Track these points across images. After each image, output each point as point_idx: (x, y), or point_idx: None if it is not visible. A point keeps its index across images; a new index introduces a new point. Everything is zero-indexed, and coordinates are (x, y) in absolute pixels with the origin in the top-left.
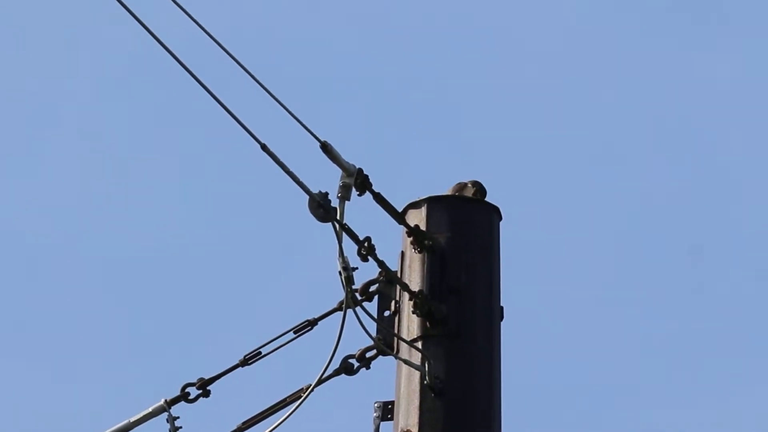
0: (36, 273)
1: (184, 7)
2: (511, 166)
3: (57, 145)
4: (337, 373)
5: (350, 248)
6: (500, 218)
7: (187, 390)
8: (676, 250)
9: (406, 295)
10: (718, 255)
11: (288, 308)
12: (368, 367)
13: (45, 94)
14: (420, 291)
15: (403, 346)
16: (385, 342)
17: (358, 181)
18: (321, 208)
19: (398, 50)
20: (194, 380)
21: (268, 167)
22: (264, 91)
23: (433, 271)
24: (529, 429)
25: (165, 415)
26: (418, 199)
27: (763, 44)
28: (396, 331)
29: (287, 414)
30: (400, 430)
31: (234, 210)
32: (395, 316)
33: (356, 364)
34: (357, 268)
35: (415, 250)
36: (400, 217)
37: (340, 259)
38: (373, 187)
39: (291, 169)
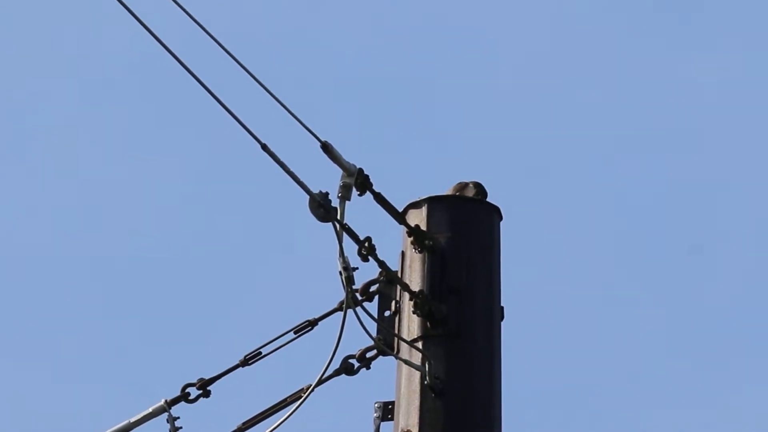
0: (36, 273)
1: (184, 7)
2: (511, 166)
3: (56, 145)
4: (337, 373)
5: (351, 248)
6: (500, 218)
7: (187, 390)
8: (676, 250)
9: (407, 295)
10: (718, 255)
11: (288, 308)
12: (368, 367)
13: (45, 94)
14: (420, 291)
15: (404, 346)
16: (386, 342)
17: (358, 181)
18: (321, 207)
19: (398, 50)
20: (194, 380)
21: (269, 167)
22: (264, 91)
23: (433, 271)
24: (529, 429)
25: (165, 415)
26: (418, 199)
27: (756, 42)
28: (396, 331)
29: (287, 414)
30: (400, 430)
31: (234, 210)
32: (395, 316)
33: (356, 364)
34: (357, 268)
35: (415, 250)
36: (400, 217)
37: (341, 259)
38: (374, 187)
39: (291, 169)
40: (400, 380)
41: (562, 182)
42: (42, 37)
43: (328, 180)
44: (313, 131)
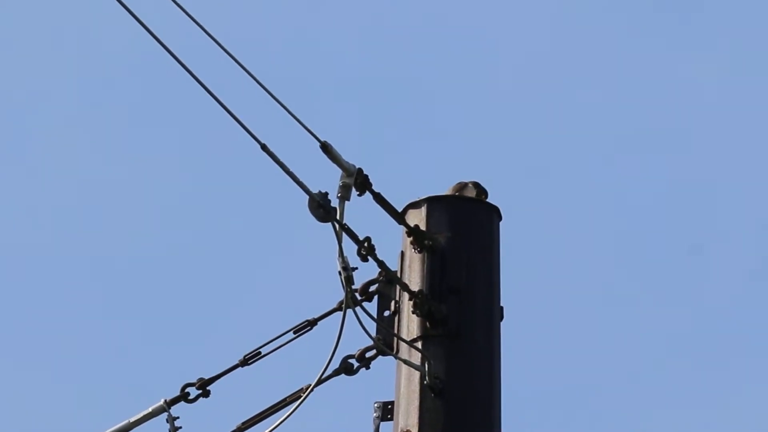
0: (36, 273)
1: (184, 7)
2: (511, 166)
3: (55, 145)
4: (336, 373)
5: (350, 248)
6: (500, 218)
7: (186, 390)
8: (676, 250)
9: (406, 295)
10: (718, 255)
11: (288, 308)
12: (368, 367)
13: (45, 93)
14: (420, 291)
15: (403, 346)
16: (385, 342)
17: (358, 181)
18: (321, 208)
19: (398, 50)
20: (194, 380)
21: (268, 167)
22: (264, 91)
23: (433, 271)
24: (529, 429)
25: (165, 415)
26: (418, 199)
27: (755, 42)
28: (396, 331)
29: (287, 414)
30: (399, 430)
31: (234, 210)
32: (395, 316)
33: (356, 364)
34: (357, 268)
35: (415, 250)
36: (400, 217)
37: (340, 259)
38: (373, 187)
39: (291, 169)
40: (400, 380)
41: (562, 182)
42: (41, 37)
43: (328, 180)
44: (313, 131)
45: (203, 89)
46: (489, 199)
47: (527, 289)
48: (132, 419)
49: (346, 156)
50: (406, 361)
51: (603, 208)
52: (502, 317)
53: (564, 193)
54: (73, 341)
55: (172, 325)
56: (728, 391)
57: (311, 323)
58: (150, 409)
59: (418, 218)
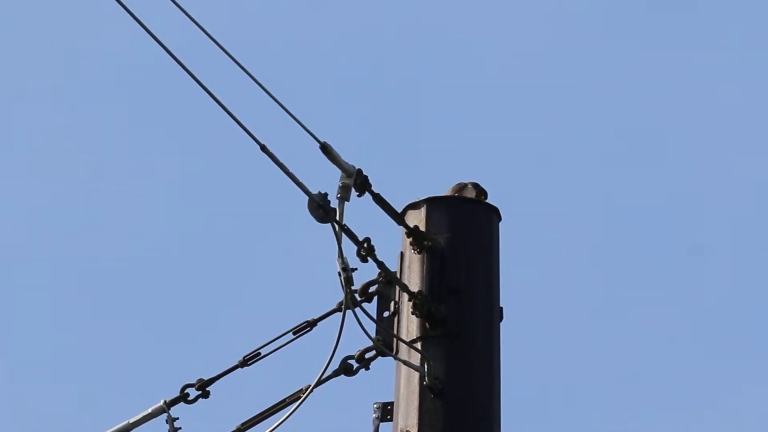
0: (36, 272)
1: (183, 7)
2: (511, 166)
3: (55, 146)
4: (336, 373)
5: (350, 249)
6: (500, 219)
7: (186, 391)
8: (676, 250)
9: (406, 296)
10: (718, 255)
11: (287, 309)
12: (368, 368)
13: (45, 92)
14: (419, 292)
15: (403, 347)
16: (385, 343)
17: (357, 181)
18: (320, 208)
19: (398, 50)
20: (194, 381)
21: (268, 168)
22: (263, 92)
23: (432, 272)
24: (529, 429)
25: (164, 416)
26: (417, 200)
27: (753, 40)
28: (395, 332)
29: (286, 415)
30: (399, 430)
31: (233, 210)
32: (395, 316)
33: (356, 365)
34: (356, 269)
35: (414, 250)
36: (399, 217)
37: (340, 260)
38: (373, 188)
39: (290, 170)
40: (399, 381)
41: (561, 182)
42: (42, 37)
43: (327, 181)
44: (312, 132)
45: (203, 90)
46: (489, 200)
47: (527, 289)
48: (132, 420)
49: (346, 157)
50: (405, 362)
51: (603, 209)
52: (501, 317)
53: (564, 194)
54: (73, 341)
55: (172, 326)
56: (728, 391)
57: (311, 324)
58: (150, 410)
59: (417, 219)
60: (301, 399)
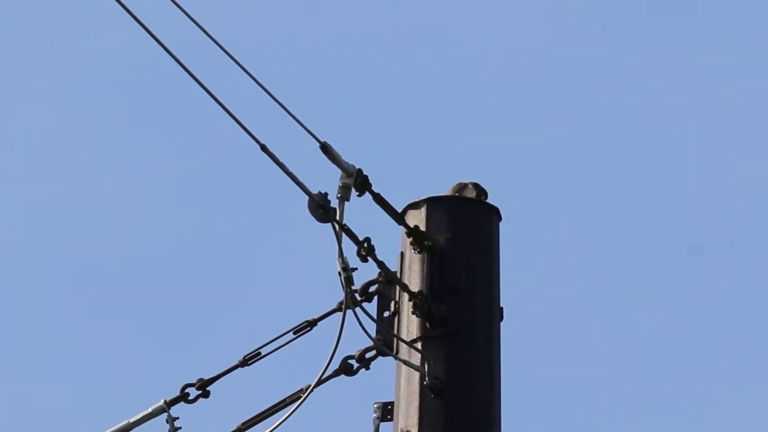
0: (36, 272)
1: (183, 7)
2: (511, 166)
3: (55, 146)
4: (336, 373)
5: (350, 249)
6: (500, 219)
7: (186, 390)
8: (676, 250)
9: (406, 296)
10: (718, 255)
11: (287, 308)
12: (368, 368)
13: (45, 92)
14: (420, 291)
15: (403, 347)
16: (385, 342)
17: (357, 181)
18: (320, 208)
19: (398, 50)
20: (194, 381)
21: (268, 168)
22: (263, 92)
23: (432, 272)
24: (529, 429)
25: (164, 415)
26: (417, 200)
27: (749, 38)
28: (396, 332)
29: (287, 415)
30: (399, 430)
31: (233, 210)
32: (395, 316)
33: (356, 365)
34: (356, 269)
35: (414, 250)
36: (399, 217)
37: (340, 260)
38: (373, 188)
39: (290, 170)
40: (400, 381)
41: (561, 182)
42: (42, 37)
43: (328, 180)
44: (312, 132)
45: (203, 90)
46: (489, 200)
47: (527, 289)
48: (132, 419)
49: (346, 156)
50: (405, 362)
51: (603, 209)
52: (502, 317)
53: (564, 194)
54: (73, 341)
55: (172, 325)
56: (728, 391)
57: (311, 324)
58: (150, 410)
59: (417, 219)
60: (302, 399)
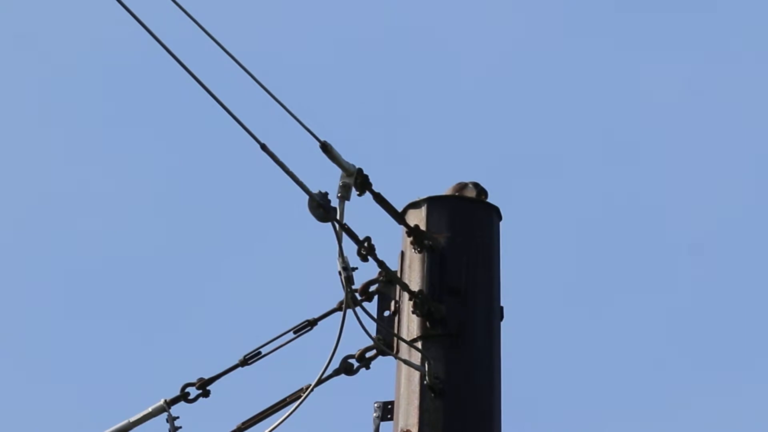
0: (36, 272)
1: (183, 7)
2: (511, 166)
3: (56, 146)
4: (336, 373)
5: (350, 248)
6: (500, 218)
7: (186, 390)
8: (676, 250)
9: (406, 295)
10: (718, 255)
11: (288, 308)
12: (368, 367)
13: (47, 90)
14: (420, 291)
15: (403, 346)
16: (385, 342)
17: (357, 180)
18: (321, 208)
19: (399, 50)
20: (194, 380)
21: (268, 167)
22: (264, 91)
23: (432, 271)
24: (529, 428)
25: (165, 415)
26: (418, 199)
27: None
28: (396, 331)
29: (287, 414)
30: (399, 430)
31: (233, 209)
32: (395, 316)
33: (356, 364)
34: (357, 268)
35: (414, 250)
36: (399, 217)
37: (340, 259)
38: (373, 187)
39: (291, 169)
40: (400, 380)
41: (561, 182)
42: (42, 34)
43: (328, 180)
44: (313, 131)
45: (203, 89)
46: (489, 200)
47: (527, 289)
48: (132, 419)
49: (346, 156)
50: (406, 361)
51: (603, 208)
52: (501, 317)
53: (564, 193)
54: (73, 341)
55: (172, 325)
56: (729, 391)
57: (311, 323)
58: (150, 409)
59: (418, 218)
60: (302, 398)
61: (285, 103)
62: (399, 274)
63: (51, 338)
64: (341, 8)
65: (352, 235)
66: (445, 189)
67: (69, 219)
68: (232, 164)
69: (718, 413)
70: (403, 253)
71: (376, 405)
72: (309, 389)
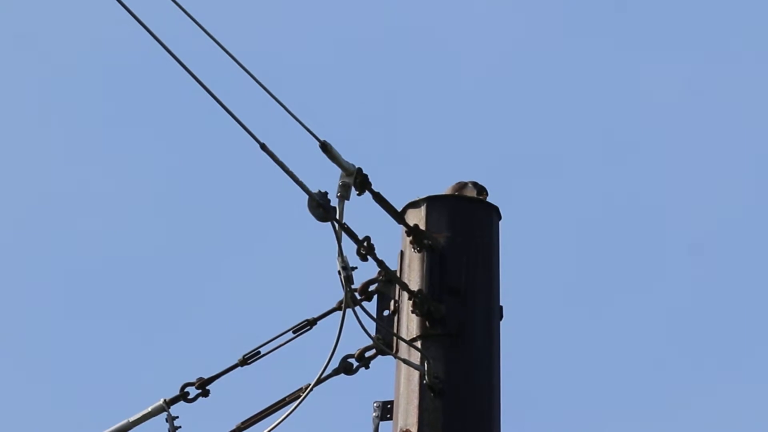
0: (36, 272)
1: (184, 7)
2: (511, 166)
3: (55, 145)
4: (336, 372)
5: (349, 248)
6: (500, 218)
7: (186, 389)
8: (675, 250)
9: (406, 295)
10: (718, 255)
11: (287, 308)
12: (367, 367)
13: (47, 90)
14: (419, 290)
15: (403, 346)
16: (385, 342)
17: (357, 180)
18: (320, 207)
19: (399, 50)
20: (193, 380)
21: (268, 167)
22: (263, 91)
23: (432, 271)
24: (529, 429)
25: (164, 414)
26: (417, 199)
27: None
28: (395, 331)
29: (286, 413)
30: (399, 429)
31: (233, 209)
32: (394, 315)
33: (355, 364)
34: (356, 268)
35: (414, 249)
36: (399, 216)
37: (340, 259)
38: (373, 187)
39: (290, 169)
40: (399, 380)
41: (561, 182)
42: (43, 34)
43: (327, 179)
44: (312, 131)
45: (202, 88)
46: (489, 199)
47: (527, 289)
48: (131, 419)
49: (346, 156)
50: (405, 361)
51: (602, 208)
52: (501, 316)
53: (564, 193)
54: (73, 341)
55: (172, 324)
56: (729, 390)
57: (311, 323)
58: (149, 409)
59: (417, 218)
60: (301, 398)
61: (285, 103)
62: (398, 274)
63: (51, 338)
64: (341, 8)
65: (352, 235)
66: (444, 188)
67: (69, 219)
68: (231, 164)
69: (718, 413)
70: (402, 253)
71: (375, 405)
72: (308, 389)
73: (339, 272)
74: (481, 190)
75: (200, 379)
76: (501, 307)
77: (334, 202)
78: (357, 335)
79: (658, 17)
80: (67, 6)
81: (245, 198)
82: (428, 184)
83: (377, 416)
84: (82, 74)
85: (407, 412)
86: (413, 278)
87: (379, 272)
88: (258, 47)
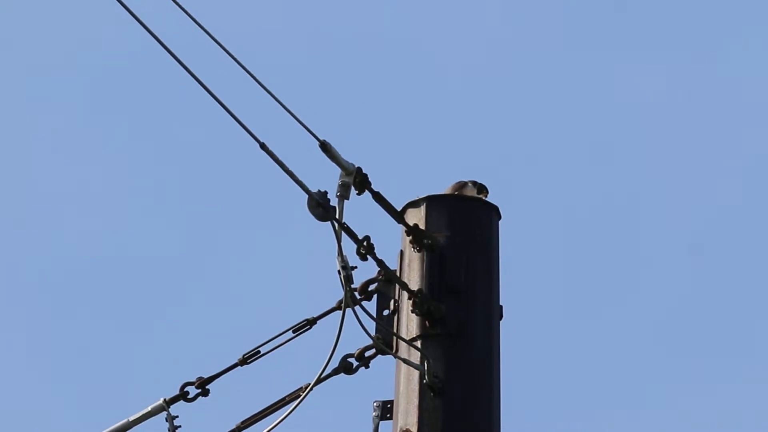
0: (36, 272)
1: (183, 7)
2: (510, 165)
3: (56, 146)
4: (336, 372)
5: (349, 247)
6: (500, 217)
7: (186, 389)
8: (675, 250)
9: (405, 294)
10: (718, 255)
11: (287, 307)
12: (367, 367)
13: (48, 90)
14: (419, 290)
15: (403, 346)
16: (385, 341)
17: (357, 180)
18: (320, 207)
19: (399, 50)
20: (193, 379)
21: (267, 166)
22: (263, 90)
23: (432, 270)
24: (529, 429)
25: (164, 414)
26: (417, 198)
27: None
28: (395, 331)
29: (286, 413)
30: (399, 429)
31: (233, 209)
32: (394, 315)
33: (355, 363)
34: (356, 267)
35: (414, 249)
36: (399, 216)
37: (339, 258)
38: (372, 186)
39: (290, 168)
40: (399, 379)
41: (561, 182)
42: (43, 36)
43: (327, 179)
44: (312, 130)
45: (202, 88)
46: (488, 199)
47: (527, 289)
48: (131, 418)
49: (346, 155)
50: (405, 360)
51: (602, 208)
52: (501, 316)
53: (563, 193)
54: (73, 341)
55: (172, 324)
56: (729, 390)
57: (310, 322)
58: (149, 408)
59: (417, 217)
60: (301, 397)
61: (284, 103)
62: (398, 273)
63: (51, 338)
64: (341, 8)
65: (352, 234)
66: (444, 188)
67: (68, 219)
68: (231, 163)
69: (718, 413)
70: (402, 252)
71: (375, 404)
72: (308, 388)
73: (339, 272)
74: (482, 188)
75: (200, 378)
76: (501, 307)
77: (333, 201)
78: (357, 335)
79: (657, 17)
80: (63, 5)
81: (245, 197)
82: (428, 184)
83: (377, 416)
84: (81, 74)
85: (407, 412)
86: (413, 278)
87: (379, 272)
88: (258, 47)
